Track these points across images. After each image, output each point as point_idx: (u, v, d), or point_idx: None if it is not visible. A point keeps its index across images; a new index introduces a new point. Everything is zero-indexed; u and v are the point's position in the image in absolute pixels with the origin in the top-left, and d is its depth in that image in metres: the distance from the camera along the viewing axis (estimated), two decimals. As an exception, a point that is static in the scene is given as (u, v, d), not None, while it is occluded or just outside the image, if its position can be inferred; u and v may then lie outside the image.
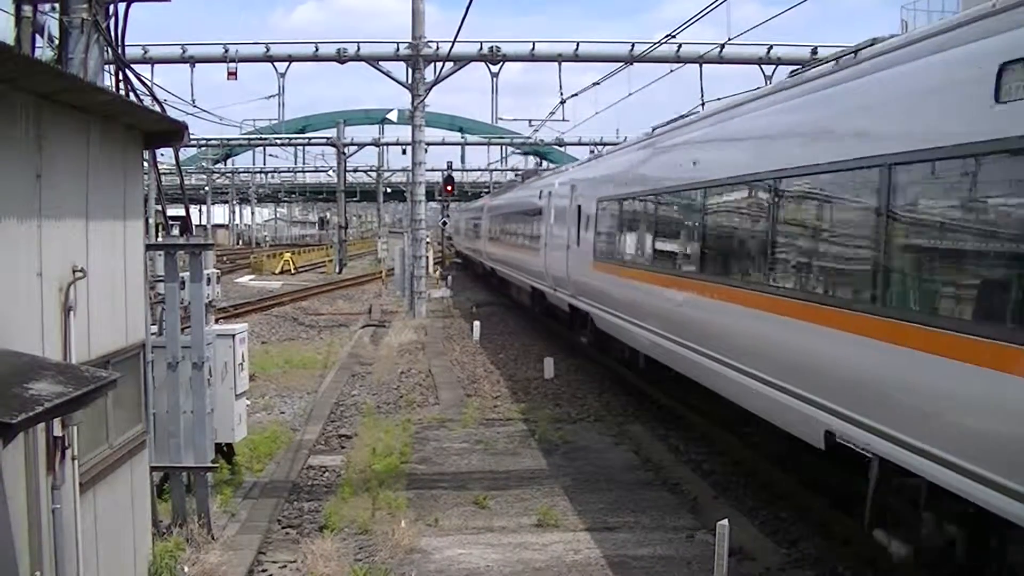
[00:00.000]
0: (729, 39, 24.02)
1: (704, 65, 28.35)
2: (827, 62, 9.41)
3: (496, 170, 73.58)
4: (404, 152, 52.66)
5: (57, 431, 5.86)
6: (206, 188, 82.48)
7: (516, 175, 48.36)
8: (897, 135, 7.45)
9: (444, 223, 56.47)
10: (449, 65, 28.56)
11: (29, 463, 5.62)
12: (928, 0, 26.90)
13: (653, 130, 15.84)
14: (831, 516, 9.82)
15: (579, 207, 19.99)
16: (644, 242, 15.07)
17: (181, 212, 10.05)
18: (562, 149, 61.68)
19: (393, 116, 44.85)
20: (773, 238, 9.58)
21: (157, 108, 8.83)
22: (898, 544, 7.32)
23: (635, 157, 16.76)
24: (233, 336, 10.72)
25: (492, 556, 9.02)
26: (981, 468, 6.09)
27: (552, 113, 33.00)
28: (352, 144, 60.18)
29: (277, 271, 55.06)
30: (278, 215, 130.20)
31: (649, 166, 15.56)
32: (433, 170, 54.97)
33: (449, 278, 42.21)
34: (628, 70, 24.83)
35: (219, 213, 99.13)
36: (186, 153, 63.03)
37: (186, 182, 12.73)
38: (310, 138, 63.30)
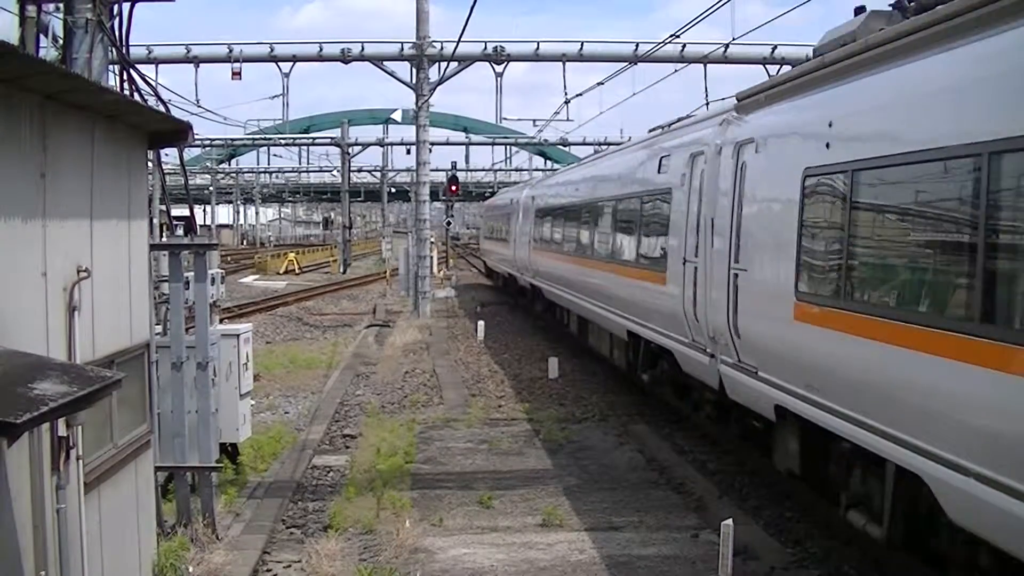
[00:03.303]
0: (733, 39, 24.12)
1: (708, 65, 28.39)
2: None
3: (500, 170, 73.63)
4: (408, 152, 52.66)
5: (62, 431, 5.86)
6: (210, 188, 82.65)
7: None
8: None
9: (448, 223, 56.38)
10: (453, 65, 28.53)
11: (34, 463, 5.62)
12: None
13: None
14: (835, 514, 9.79)
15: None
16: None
17: (185, 212, 10.05)
18: (566, 149, 61.70)
19: (397, 116, 44.70)
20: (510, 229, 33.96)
21: (161, 108, 8.84)
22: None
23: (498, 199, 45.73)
24: (237, 336, 10.72)
25: (497, 556, 9.02)
26: None
27: (556, 113, 33.04)
28: (356, 144, 60.25)
29: (281, 271, 55.02)
30: (282, 215, 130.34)
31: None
32: (437, 170, 55.08)
33: (454, 278, 42.22)
34: (632, 70, 24.83)
35: (223, 213, 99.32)
36: (190, 153, 63.07)
37: (190, 182, 12.71)
38: (314, 138, 63.34)
